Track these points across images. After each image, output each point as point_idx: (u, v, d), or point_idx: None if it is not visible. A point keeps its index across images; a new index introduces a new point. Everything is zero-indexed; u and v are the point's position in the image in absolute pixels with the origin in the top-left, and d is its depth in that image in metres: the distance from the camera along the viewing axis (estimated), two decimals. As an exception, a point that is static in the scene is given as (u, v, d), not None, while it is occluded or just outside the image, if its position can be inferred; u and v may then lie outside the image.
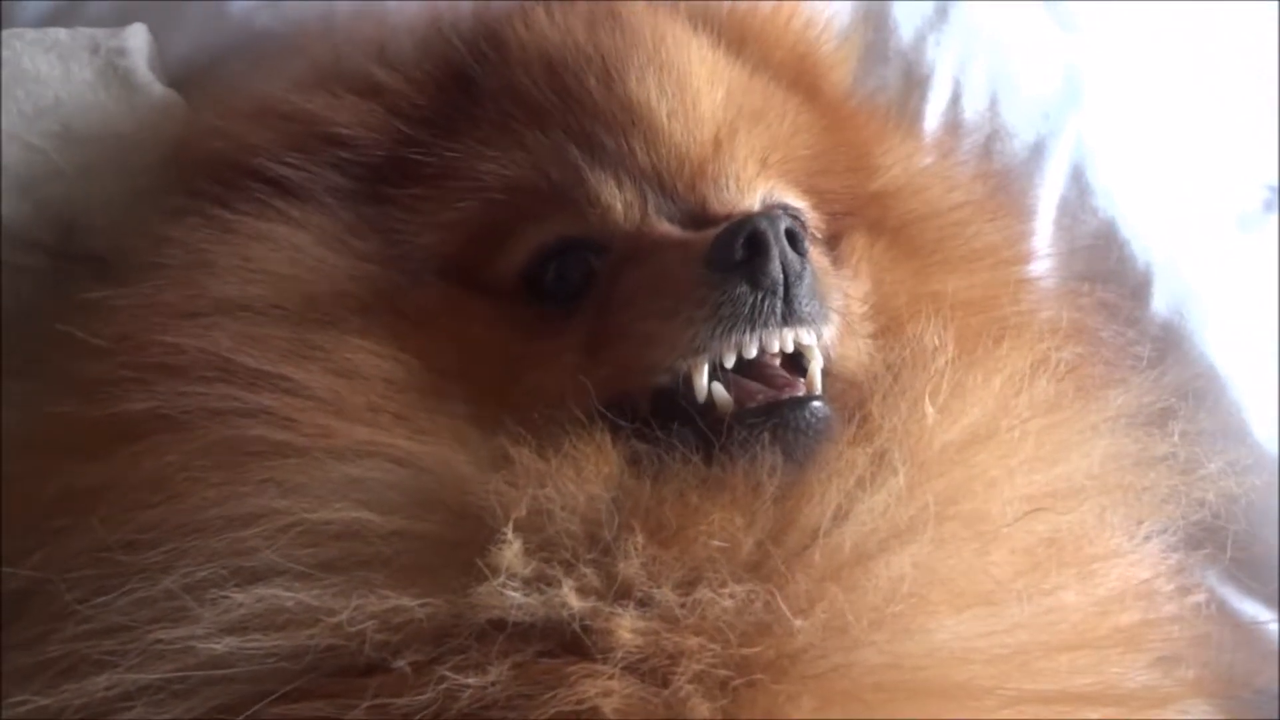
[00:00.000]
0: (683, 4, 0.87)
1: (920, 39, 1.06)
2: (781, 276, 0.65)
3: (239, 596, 0.58)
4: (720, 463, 0.63)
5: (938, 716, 0.58)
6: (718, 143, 0.76)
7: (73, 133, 0.82)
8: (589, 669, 0.57)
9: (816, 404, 0.66)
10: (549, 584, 0.58)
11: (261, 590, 0.59)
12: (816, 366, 0.68)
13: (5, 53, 0.82)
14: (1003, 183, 0.98)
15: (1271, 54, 1.33)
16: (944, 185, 0.91)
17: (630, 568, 0.59)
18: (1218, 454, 0.75)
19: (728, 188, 0.75)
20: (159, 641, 0.58)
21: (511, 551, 0.58)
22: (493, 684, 0.56)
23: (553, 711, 0.55)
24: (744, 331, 0.66)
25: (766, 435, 0.64)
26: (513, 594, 0.57)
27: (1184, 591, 0.75)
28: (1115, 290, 0.92)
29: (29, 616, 0.65)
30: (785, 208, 0.75)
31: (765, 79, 0.84)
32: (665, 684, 0.57)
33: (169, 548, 0.61)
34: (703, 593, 0.58)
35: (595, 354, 0.69)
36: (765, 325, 0.66)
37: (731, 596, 0.58)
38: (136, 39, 0.87)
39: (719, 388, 0.65)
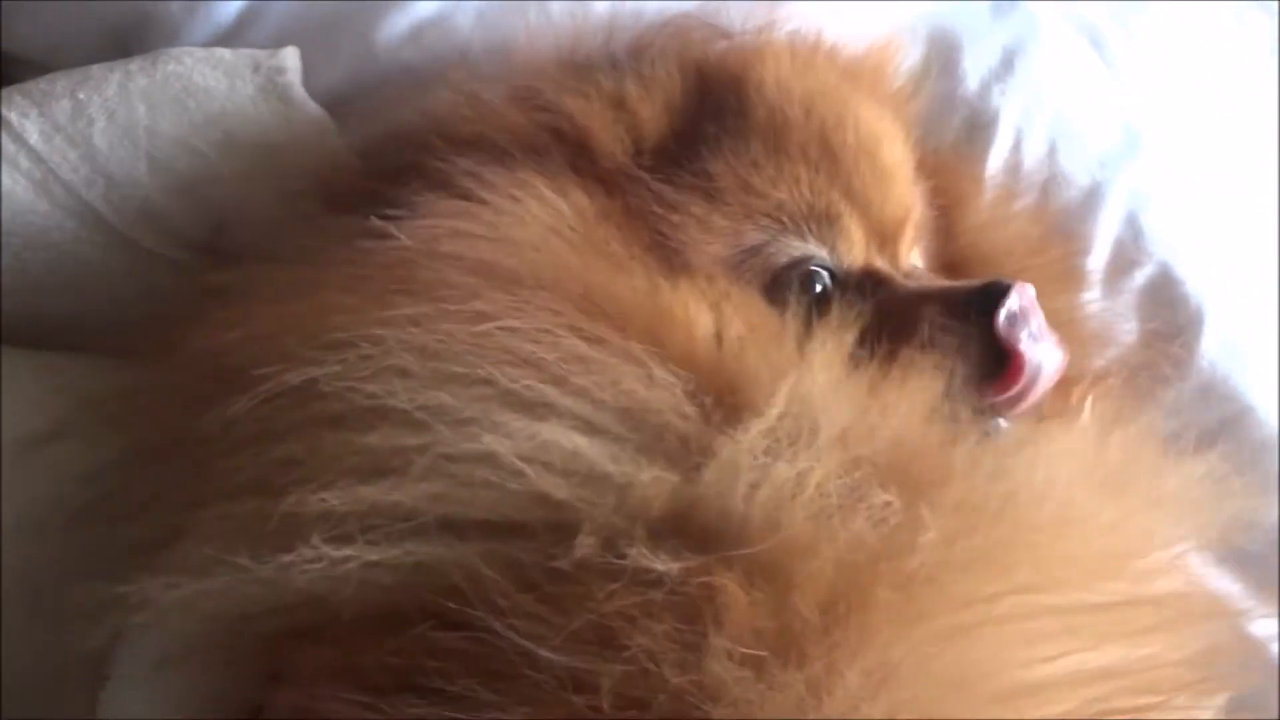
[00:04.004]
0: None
1: (986, 88, 1.13)
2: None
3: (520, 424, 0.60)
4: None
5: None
6: (908, 211, 0.88)
7: (234, 141, 0.90)
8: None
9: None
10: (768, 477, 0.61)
11: (541, 426, 0.61)
12: None
13: (177, 67, 0.90)
14: (1058, 222, 1.04)
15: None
16: (1007, 233, 0.99)
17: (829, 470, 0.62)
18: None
19: (903, 249, 0.88)
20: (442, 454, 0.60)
21: (756, 426, 0.62)
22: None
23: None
24: None
25: None
26: (753, 475, 0.60)
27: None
28: (1167, 326, 0.98)
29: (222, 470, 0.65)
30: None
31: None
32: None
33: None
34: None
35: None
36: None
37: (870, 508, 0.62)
38: (293, 60, 0.94)
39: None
